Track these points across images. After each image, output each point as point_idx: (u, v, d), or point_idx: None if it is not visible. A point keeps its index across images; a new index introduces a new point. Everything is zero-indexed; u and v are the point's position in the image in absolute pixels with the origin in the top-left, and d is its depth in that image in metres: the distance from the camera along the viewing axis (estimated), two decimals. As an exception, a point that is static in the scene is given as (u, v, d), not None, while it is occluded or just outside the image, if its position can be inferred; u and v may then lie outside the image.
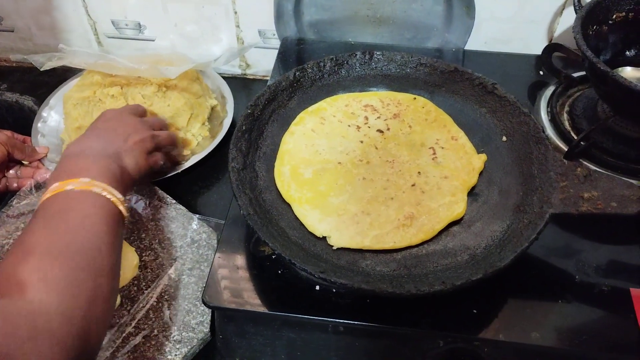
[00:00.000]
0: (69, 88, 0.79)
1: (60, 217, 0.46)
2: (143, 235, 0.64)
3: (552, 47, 0.78)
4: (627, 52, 0.73)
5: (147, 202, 0.67)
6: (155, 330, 0.56)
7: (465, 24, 0.81)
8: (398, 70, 0.70)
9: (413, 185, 0.58)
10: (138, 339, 0.55)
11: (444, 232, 0.55)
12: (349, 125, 0.64)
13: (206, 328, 0.57)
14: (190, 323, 0.57)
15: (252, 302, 0.53)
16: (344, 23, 0.85)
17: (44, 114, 0.80)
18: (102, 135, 0.58)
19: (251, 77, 0.96)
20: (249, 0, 0.84)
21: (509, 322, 0.51)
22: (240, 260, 0.56)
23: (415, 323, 0.51)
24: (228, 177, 0.55)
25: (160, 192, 0.68)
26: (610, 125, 0.68)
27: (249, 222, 0.51)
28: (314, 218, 0.55)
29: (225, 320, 0.57)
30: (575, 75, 0.76)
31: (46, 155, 0.73)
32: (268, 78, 0.87)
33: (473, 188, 0.58)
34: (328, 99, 0.67)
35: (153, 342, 0.55)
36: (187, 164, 0.73)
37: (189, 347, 0.55)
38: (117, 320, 0.57)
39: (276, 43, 0.87)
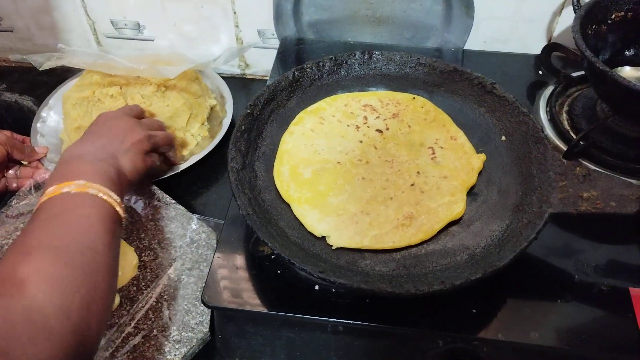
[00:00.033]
0: (68, 88, 0.79)
1: (57, 218, 0.46)
2: (142, 235, 0.64)
3: (551, 47, 0.78)
4: (626, 52, 0.73)
5: (147, 202, 0.67)
6: (155, 330, 0.56)
7: (464, 23, 0.81)
8: (397, 70, 0.70)
9: (412, 185, 0.58)
10: (137, 339, 0.55)
11: (443, 231, 0.55)
12: (348, 125, 0.64)
13: (205, 328, 0.57)
14: (189, 323, 0.57)
15: (252, 302, 0.53)
16: (343, 23, 0.85)
17: (43, 114, 0.80)
18: (98, 138, 0.58)
19: (250, 77, 0.96)
20: (248, 0, 0.84)
21: (508, 322, 0.51)
22: (239, 260, 0.56)
23: (414, 323, 0.51)
24: (227, 177, 0.55)
25: (160, 192, 0.68)
26: (609, 124, 0.68)
27: (248, 222, 0.51)
28: (313, 218, 0.55)
29: (225, 320, 0.57)
30: (574, 74, 0.76)
31: (45, 156, 0.73)
32: (267, 78, 0.87)
33: (472, 188, 0.58)
34: (327, 99, 0.67)
35: (152, 342, 0.55)
36: (186, 164, 0.73)
37: (189, 347, 0.55)
38: (117, 320, 0.57)
39: (275, 43, 0.87)
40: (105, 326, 0.45)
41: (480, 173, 0.59)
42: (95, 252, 0.45)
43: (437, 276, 0.49)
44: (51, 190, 0.49)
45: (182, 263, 0.62)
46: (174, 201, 0.67)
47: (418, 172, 0.59)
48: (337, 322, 0.52)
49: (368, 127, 0.64)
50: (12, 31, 0.94)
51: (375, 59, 0.70)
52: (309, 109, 0.66)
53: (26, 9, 0.90)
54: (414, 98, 0.67)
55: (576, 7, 0.72)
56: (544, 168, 0.55)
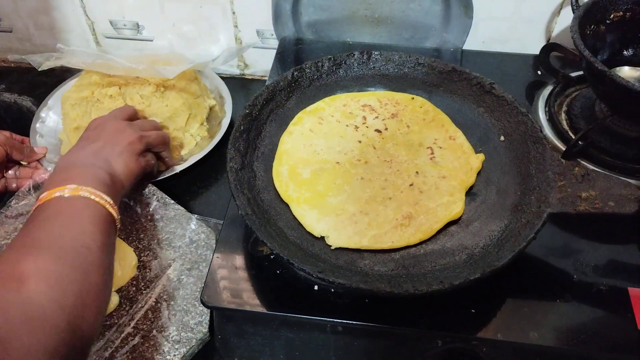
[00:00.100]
0: (67, 88, 0.79)
1: (52, 220, 0.49)
2: (142, 235, 0.64)
3: (549, 47, 0.78)
4: (625, 52, 0.73)
5: (146, 203, 0.67)
6: (154, 331, 0.56)
7: (463, 23, 0.81)
8: (396, 70, 0.70)
9: (411, 185, 0.58)
10: (137, 339, 0.55)
11: (442, 231, 0.55)
12: (347, 125, 0.64)
13: (205, 328, 0.57)
14: (188, 323, 0.57)
15: (251, 302, 0.53)
16: (342, 23, 0.85)
17: (43, 114, 0.80)
18: (90, 144, 0.60)
19: (249, 77, 0.96)
20: (247, 0, 0.84)
21: (507, 322, 0.51)
22: (238, 260, 0.56)
23: (413, 323, 0.51)
24: (226, 177, 0.55)
25: (159, 193, 0.68)
26: (608, 124, 0.68)
27: (247, 222, 0.51)
28: (312, 218, 0.55)
29: (224, 320, 0.57)
30: (573, 74, 0.76)
31: (44, 156, 0.73)
32: (266, 78, 0.87)
33: (471, 188, 0.58)
34: (326, 99, 0.67)
35: (152, 342, 0.55)
36: (185, 164, 0.72)
37: (188, 347, 0.55)
38: (116, 321, 0.57)
39: (274, 43, 0.87)
40: (101, 321, 0.47)
41: (479, 173, 0.59)
42: (87, 249, 0.47)
43: (436, 276, 0.49)
44: (44, 196, 0.51)
45: (181, 263, 0.62)
46: (173, 201, 0.67)
47: (417, 172, 0.59)
48: (336, 322, 0.52)
49: (367, 127, 0.64)
50: (11, 31, 0.94)
51: (374, 59, 0.70)
52: (308, 109, 0.66)
53: (25, 9, 0.90)
54: (412, 98, 0.67)
55: (575, 7, 0.72)
56: (542, 168, 0.55)
